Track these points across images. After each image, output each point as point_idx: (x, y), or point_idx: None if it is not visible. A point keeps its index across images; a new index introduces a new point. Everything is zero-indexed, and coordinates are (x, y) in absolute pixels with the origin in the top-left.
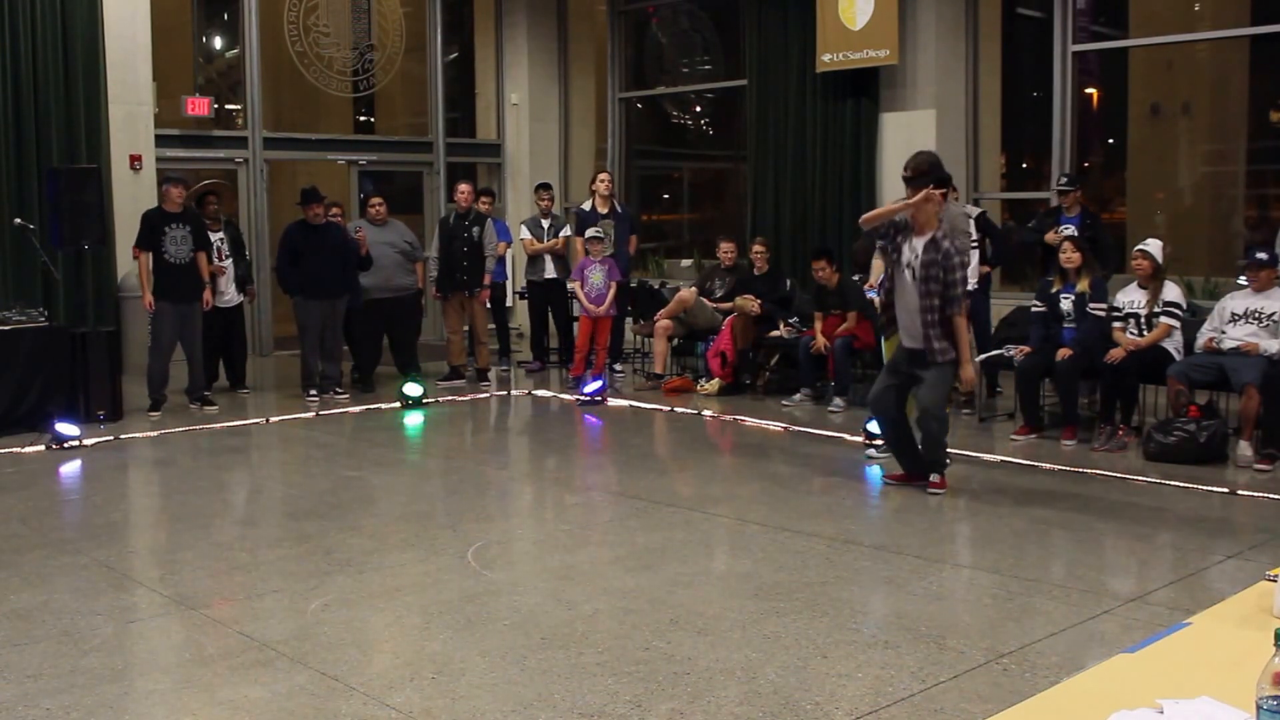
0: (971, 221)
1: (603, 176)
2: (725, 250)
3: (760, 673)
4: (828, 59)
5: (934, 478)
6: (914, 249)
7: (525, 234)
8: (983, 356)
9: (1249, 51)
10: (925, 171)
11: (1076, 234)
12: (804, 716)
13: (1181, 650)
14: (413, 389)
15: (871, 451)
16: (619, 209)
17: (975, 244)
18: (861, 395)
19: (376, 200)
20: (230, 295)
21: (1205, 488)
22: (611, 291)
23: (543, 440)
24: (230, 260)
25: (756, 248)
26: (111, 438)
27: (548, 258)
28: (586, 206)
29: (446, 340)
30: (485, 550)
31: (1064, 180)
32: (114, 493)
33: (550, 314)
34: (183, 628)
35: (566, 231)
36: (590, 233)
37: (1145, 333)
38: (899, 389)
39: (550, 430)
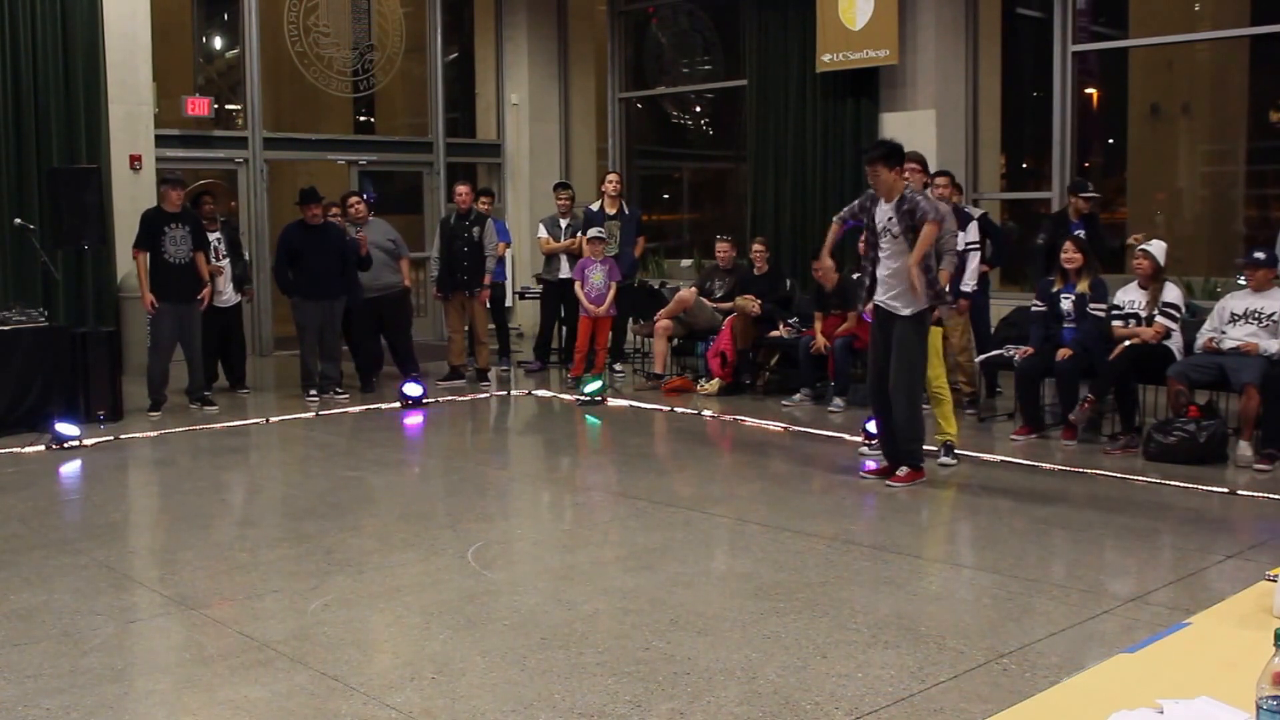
0: (974, 223)
1: (611, 177)
2: (721, 250)
3: (760, 673)
4: (828, 59)
5: (900, 471)
6: (885, 213)
7: (542, 232)
8: (983, 357)
9: (1249, 51)
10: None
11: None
12: (804, 716)
13: (1181, 650)
14: (413, 389)
15: (864, 449)
16: (626, 210)
17: (977, 245)
18: (861, 395)
19: (354, 198)
20: (228, 295)
21: (1205, 488)
22: (611, 291)
23: (543, 440)
24: (228, 260)
25: (756, 248)
26: (111, 438)
27: (563, 257)
28: (595, 207)
29: (447, 340)
30: (485, 550)
31: (1090, 186)
32: (114, 493)
33: (563, 313)
34: (183, 628)
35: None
36: (592, 233)
37: None
38: (883, 371)
39: (550, 430)
